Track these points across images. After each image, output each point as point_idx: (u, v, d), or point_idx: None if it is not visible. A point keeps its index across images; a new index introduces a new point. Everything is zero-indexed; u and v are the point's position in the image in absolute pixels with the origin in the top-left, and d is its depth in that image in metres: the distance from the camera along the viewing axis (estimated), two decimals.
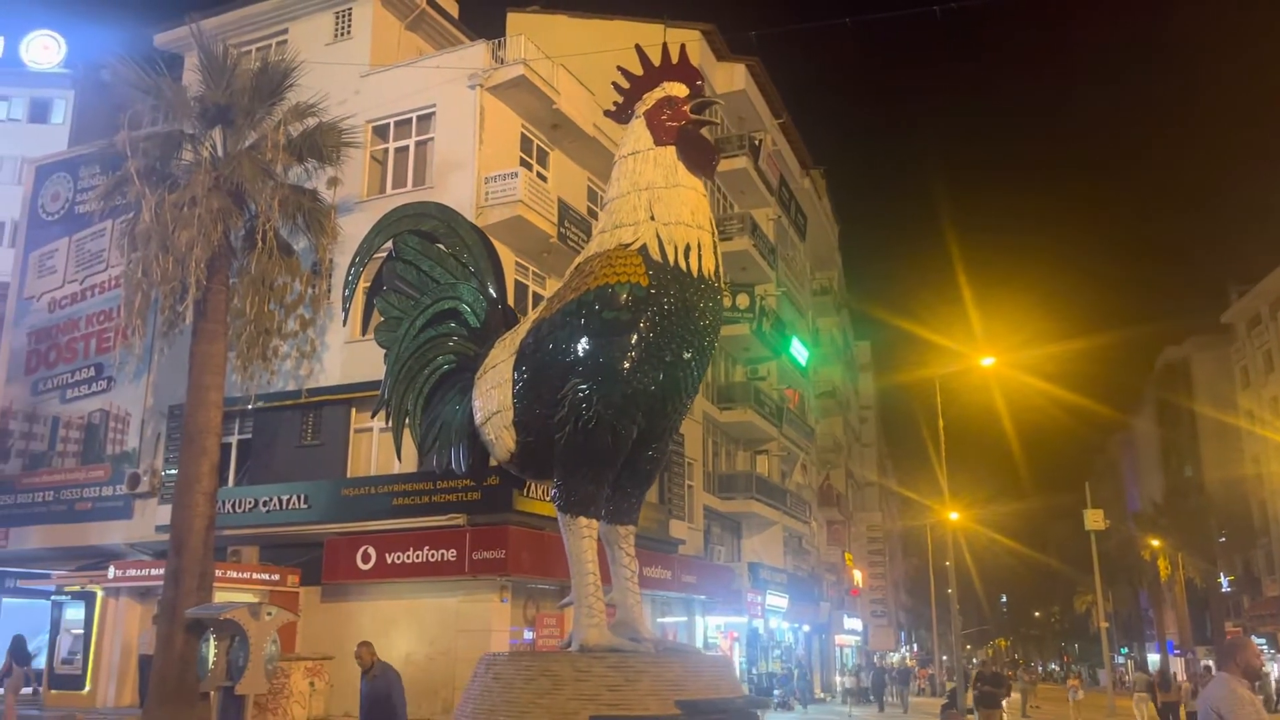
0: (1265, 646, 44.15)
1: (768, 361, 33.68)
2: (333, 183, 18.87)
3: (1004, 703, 16.14)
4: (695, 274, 3.89)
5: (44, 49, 45.38)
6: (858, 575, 49.79)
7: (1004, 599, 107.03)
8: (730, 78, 32.81)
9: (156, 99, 17.60)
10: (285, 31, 23.88)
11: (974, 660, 64.83)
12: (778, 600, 33.31)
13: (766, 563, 32.88)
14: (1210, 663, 53.67)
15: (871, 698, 37.25)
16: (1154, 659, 67.08)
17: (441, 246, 4.76)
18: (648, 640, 3.96)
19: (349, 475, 20.15)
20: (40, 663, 21.46)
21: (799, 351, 35.89)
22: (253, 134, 17.67)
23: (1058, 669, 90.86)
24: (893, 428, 77.66)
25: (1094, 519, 38.01)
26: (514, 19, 30.79)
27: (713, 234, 4.03)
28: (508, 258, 19.69)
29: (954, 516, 39.33)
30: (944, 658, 64.44)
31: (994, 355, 30.04)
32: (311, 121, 17.95)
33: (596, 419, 3.83)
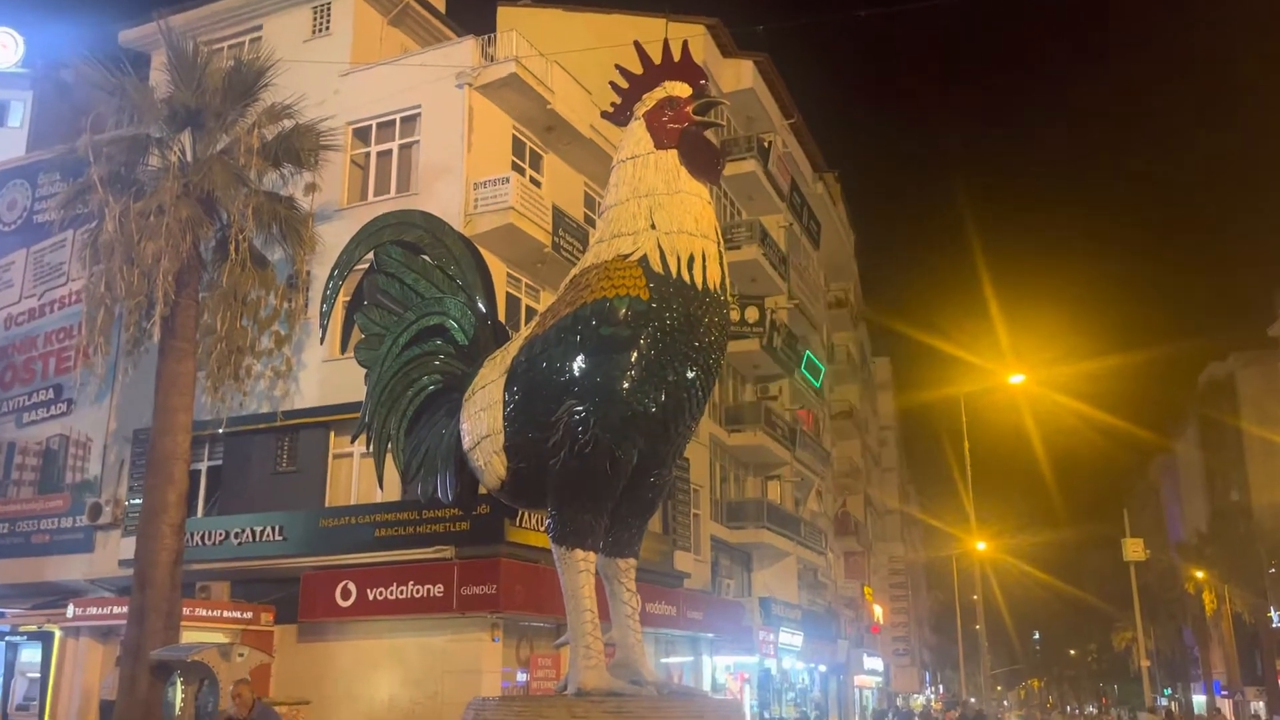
0: None
1: (779, 380, 33.68)
2: (310, 189, 18.91)
3: None
4: (700, 287, 3.89)
5: (1, 48, 45.69)
6: (878, 611, 49.66)
7: (1036, 636, 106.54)
8: (737, 75, 32.96)
9: (121, 100, 17.65)
10: (259, 28, 23.98)
11: (1004, 703, 64.52)
12: (792, 638, 33.18)
13: (779, 597, 32.77)
14: (1262, 704, 53.54)
15: None
16: (1199, 700, 66.83)
17: (426, 258, 4.77)
18: (650, 683, 3.94)
19: (327, 504, 20.11)
20: None
21: (813, 369, 35.89)
22: (224, 137, 17.71)
23: (1095, 711, 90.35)
24: (915, 450, 77.63)
25: (1133, 549, 37.93)
26: (505, 14, 30.92)
27: (718, 243, 4.04)
28: (498, 269, 19.71)
29: (981, 546, 39.34)
30: (972, 699, 64.09)
31: (1023, 372, 30.16)
32: (288, 124, 18.01)
33: (594, 443, 3.82)
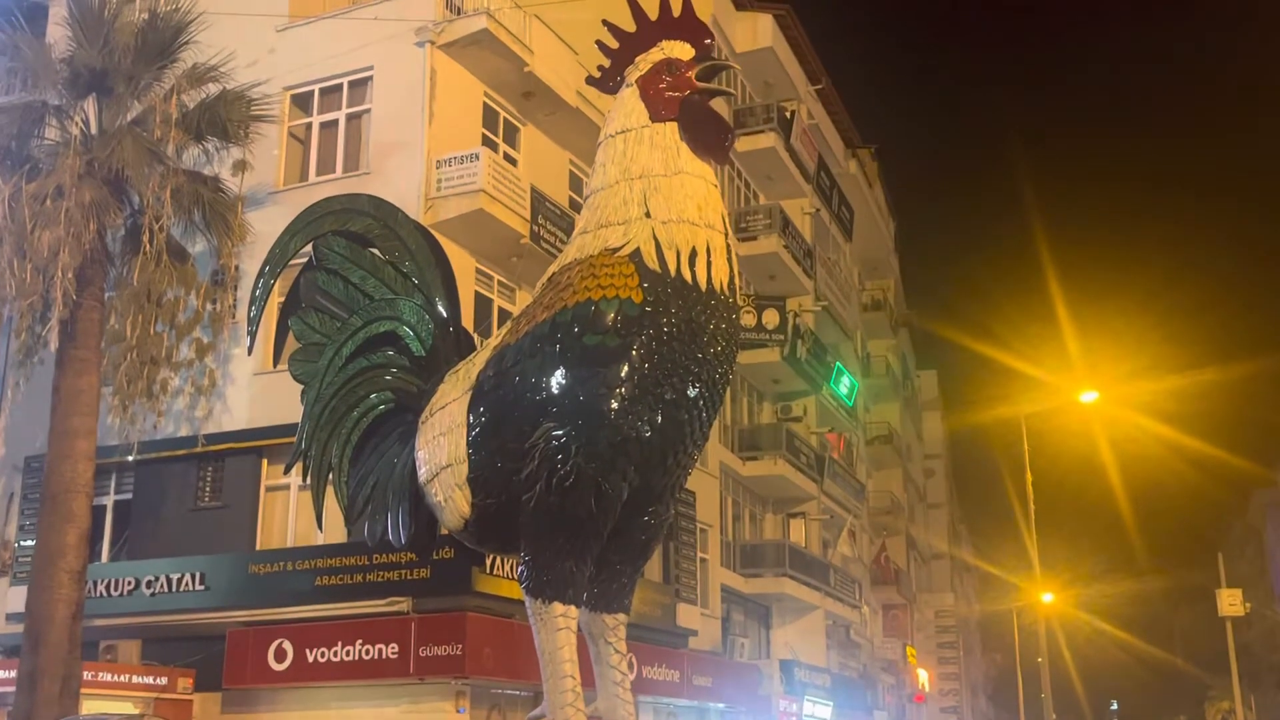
0: None
1: (804, 398, 33.73)
2: (240, 167, 18.92)
3: None
4: (703, 287, 3.89)
5: None
6: (923, 676, 49.64)
7: (1115, 706, 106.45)
8: (754, 32, 33.13)
9: (13, 60, 17.67)
10: None
11: None
12: (819, 709, 33.16)
13: (804, 660, 32.76)
14: None
15: None
16: None
17: (376, 251, 4.78)
18: None
19: (259, 548, 20.11)
20: None
21: (844, 384, 35.92)
22: (137, 105, 17.76)
23: None
24: (968, 483, 77.76)
25: (1230, 601, 37.99)
26: None
27: (726, 235, 4.04)
28: (465, 264, 19.73)
29: (1048, 599, 39.32)
30: None
31: (1097, 389, 30.17)
32: (213, 89, 18.04)
33: (576, 474, 3.82)
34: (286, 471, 18.26)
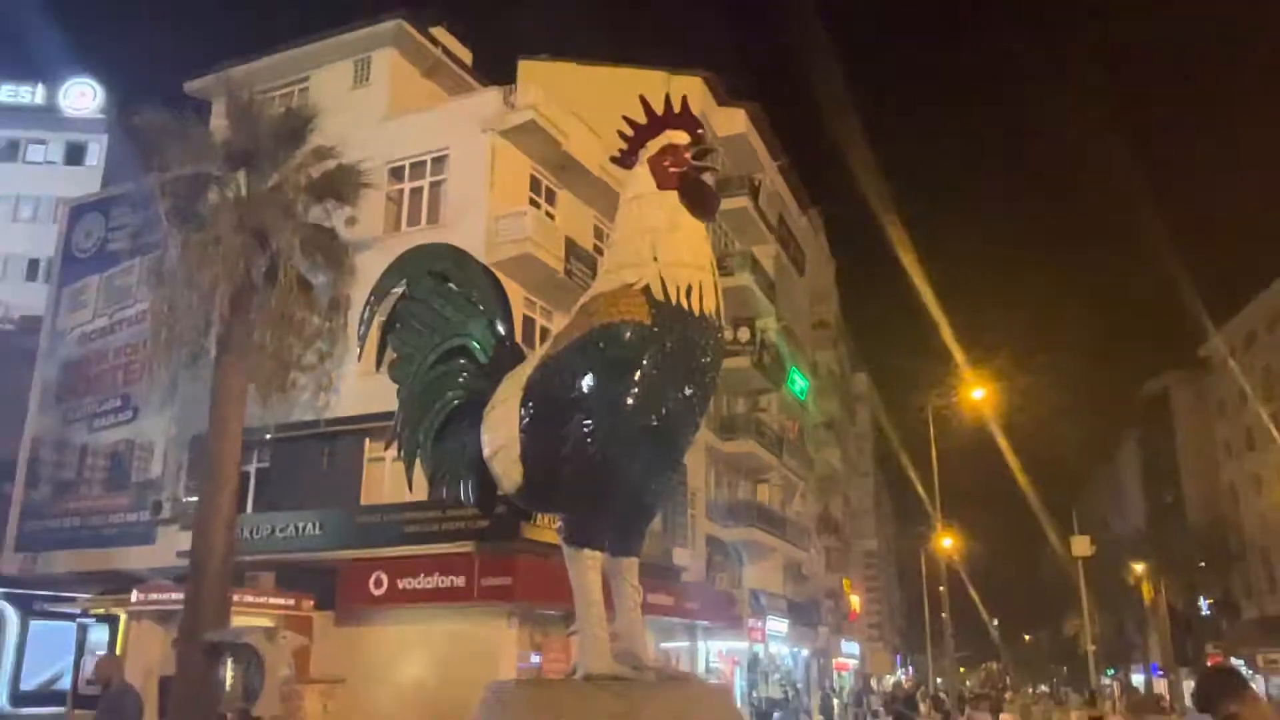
0: (1243, 667, 43.71)
1: (769, 394, 33.66)
2: (350, 221, 18.95)
3: None
4: (697, 313, 3.86)
5: (81, 96, 46.04)
6: (855, 600, 49.47)
7: (996, 622, 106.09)
8: (731, 122, 33.11)
9: (185, 143, 17.71)
10: (307, 79, 24.18)
11: (968, 683, 64.13)
12: (778, 625, 33.08)
13: (767, 589, 32.68)
14: (1192, 683, 53.30)
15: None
16: (1138, 679, 66.93)
17: (452, 286, 4.74)
18: (650, 668, 3.90)
19: (362, 503, 20.14)
20: (65, 684, 21.35)
21: (798, 384, 35.85)
22: (275, 176, 17.78)
23: (1047, 691, 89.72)
24: (889, 456, 77.36)
25: (1080, 546, 37.90)
26: (525, 66, 31.09)
27: (713, 274, 4.01)
28: (516, 293, 19.74)
29: (947, 544, 39.14)
30: (939, 681, 63.70)
31: (984, 387, 30.08)
32: (331, 164, 18.08)
33: (601, 454, 3.79)
34: (385, 448, 18.24)
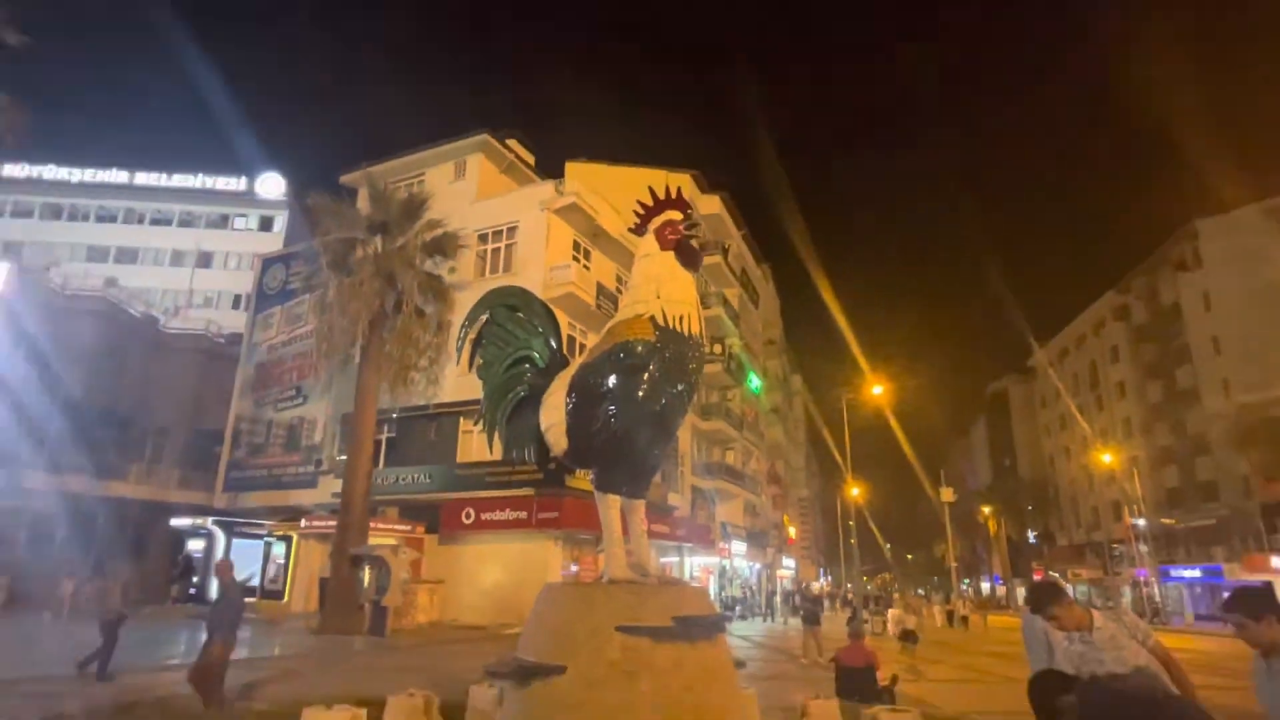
0: (1059, 578, 43.30)
1: (734, 389, 33.55)
2: (451, 270, 19.04)
3: (820, 617, 15.17)
4: (686, 334, 3.86)
5: (271, 183, 46.28)
6: (792, 530, 49.13)
7: (888, 546, 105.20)
8: (710, 205, 33.08)
9: (340, 217, 17.87)
10: (423, 174, 24.27)
11: (869, 587, 63.51)
12: (739, 547, 32.89)
13: (732, 522, 32.51)
14: (1021, 590, 52.80)
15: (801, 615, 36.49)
16: (985, 586, 66.76)
17: (520, 314, 4.75)
18: (653, 576, 3.89)
19: (458, 461, 20.16)
20: (255, 581, 21.43)
21: (754, 382, 35.71)
22: (401, 239, 17.91)
23: (923, 593, 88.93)
24: (816, 432, 76.84)
25: (946, 494, 37.57)
26: (570, 166, 31.18)
27: (698, 308, 4.00)
28: (563, 320, 19.76)
29: (855, 492, 38.87)
30: (849, 586, 63.20)
31: (881, 385, 29.90)
32: (439, 231, 18.20)
33: (620, 430, 3.79)
34: (474, 425, 18.29)
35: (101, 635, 9.02)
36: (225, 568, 7.31)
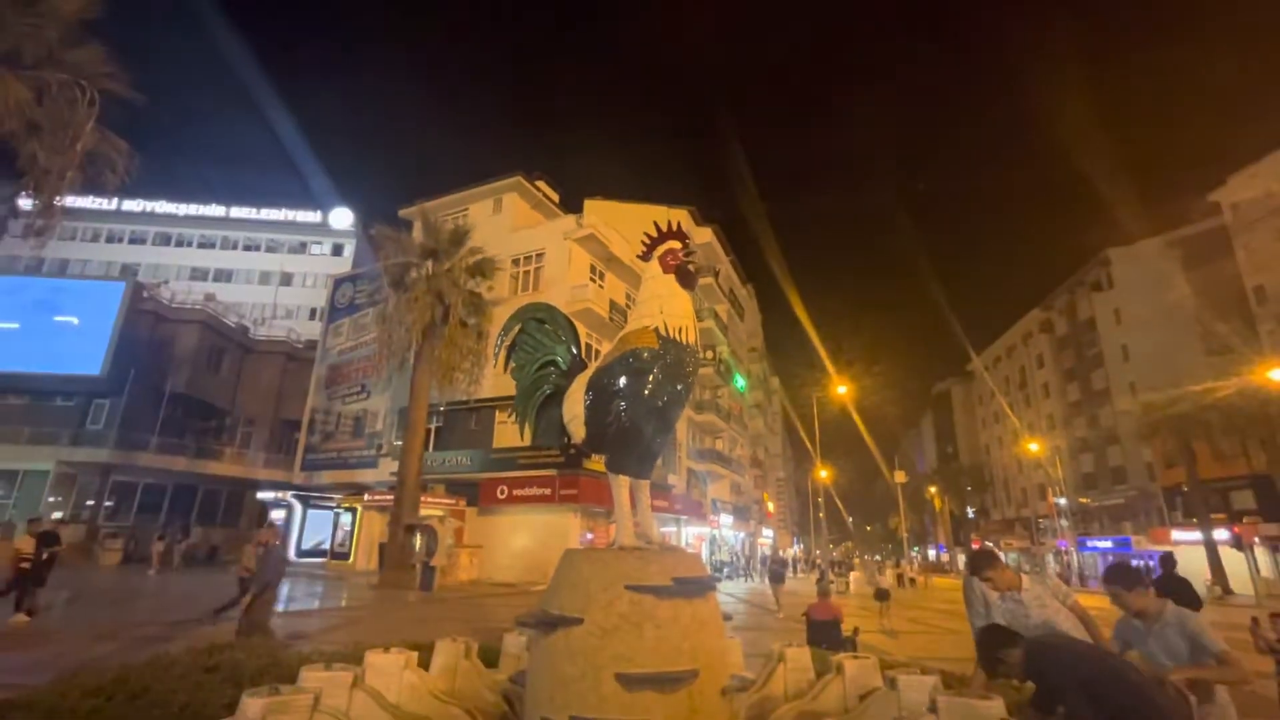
0: (994, 546, 42.93)
1: (722, 388, 33.46)
2: (490, 289, 19.05)
3: (784, 576, 15.01)
4: (684, 343, 3.86)
5: (341, 216, 46.48)
6: (770, 506, 48.93)
7: (850, 519, 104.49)
8: (704, 235, 33.05)
9: (398, 244, 17.91)
10: (467, 209, 24.31)
11: (834, 554, 63.15)
12: (727, 519, 32.74)
13: (721, 498, 32.37)
14: (962, 556, 52.41)
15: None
16: (932, 553, 66.39)
17: (547, 326, 4.75)
18: (656, 543, 3.87)
19: (494, 446, 20.15)
20: (325, 545, 21.44)
21: (740, 382, 35.60)
22: (448, 263, 17.94)
23: (879, 559, 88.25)
24: (790, 424, 76.43)
25: (899, 476, 37.37)
26: (589, 203, 31.13)
27: (694, 321, 4.00)
28: (583, 330, 19.74)
29: (824, 474, 38.68)
30: (817, 552, 62.82)
31: (847, 385, 29.77)
32: (480, 257, 18.21)
33: (630, 422, 3.78)
34: (509, 416, 18.26)
35: (238, 589, 8.95)
36: (270, 534, 7.13)
